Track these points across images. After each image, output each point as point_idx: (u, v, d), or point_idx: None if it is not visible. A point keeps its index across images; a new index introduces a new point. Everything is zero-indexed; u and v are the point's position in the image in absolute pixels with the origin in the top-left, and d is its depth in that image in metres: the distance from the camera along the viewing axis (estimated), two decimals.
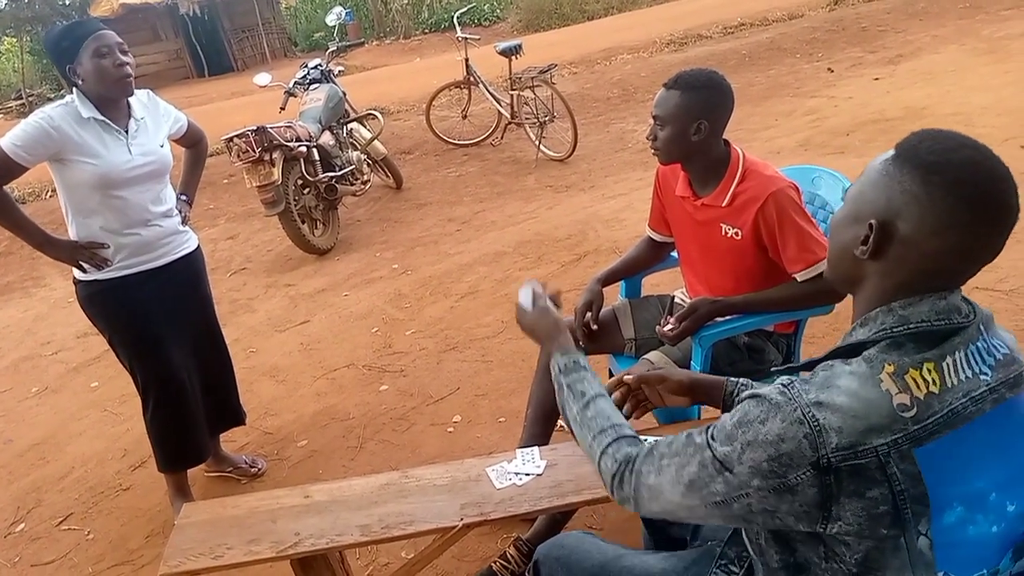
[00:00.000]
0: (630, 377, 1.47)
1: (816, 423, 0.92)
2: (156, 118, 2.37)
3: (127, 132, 2.24)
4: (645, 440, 1.15)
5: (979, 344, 0.98)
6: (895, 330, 0.97)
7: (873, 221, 0.98)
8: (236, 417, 2.77)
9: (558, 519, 2.04)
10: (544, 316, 1.42)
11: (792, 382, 0.97)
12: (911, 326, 0.97)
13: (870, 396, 0.93)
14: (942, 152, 0.95)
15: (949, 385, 0.94)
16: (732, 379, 1.43)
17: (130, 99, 2.26)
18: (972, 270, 0.99)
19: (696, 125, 1.84)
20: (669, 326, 1.94)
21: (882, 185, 0.98)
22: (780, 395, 0.96)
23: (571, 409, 1.24)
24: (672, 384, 1.44)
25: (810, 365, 1.04)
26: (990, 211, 0.94)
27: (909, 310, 0.98)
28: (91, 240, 2.23)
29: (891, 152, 1.00)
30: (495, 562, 2.05)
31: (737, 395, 1.40)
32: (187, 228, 2.50)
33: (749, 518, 0.98)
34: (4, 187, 2.15)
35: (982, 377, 0.97)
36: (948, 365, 0.95)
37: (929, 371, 0.94)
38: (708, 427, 1.04)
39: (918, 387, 0.93)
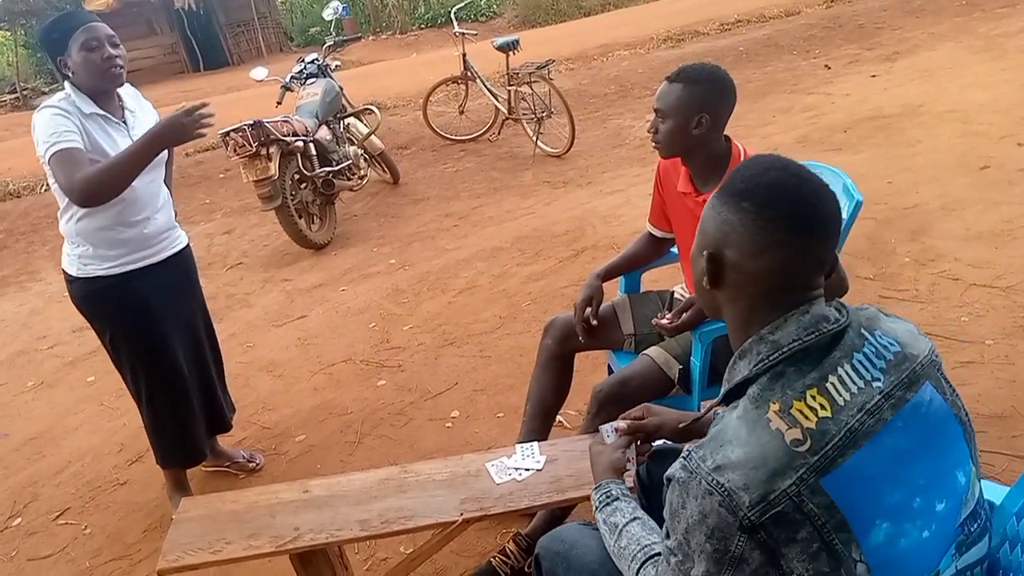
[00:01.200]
0: (623, 425, 1.48)
1: (723, 488, 0.91)
2: (143, 109, 2.36)
3: (126, 124, 2.23)
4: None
5: (865, 350, 0.99)
6: (771, 358, 0.98)
7: (705, 253, 1.03)
8: (230, 411, 2.76)
9: (557, 514, 2.03)
10: (606, 454, 1.43)
11: (690, 453, 0.97)
12: (784, 350, 0.97)
13: (762, 440, 0.92)
14: (751, 178, 1.00)
15: (841, 403, 0.94)
16: (719, 413, 1.44)
17: (120, 91, 2.25)
18: (811, 281, 1.01)
19: (697, 119, 1.84)
20: (666, 319, 1.94)
21: (710, 217, 1.05)
22: (683, 471, 0.96)
23: (609, 543, 1.25)
24: (667, 432, 1.48)
25: (720, 403, 1.05)
26: (801, 226, 0.97)
27: (778, 334, 0.99)
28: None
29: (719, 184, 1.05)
30: (494, 557, 2.05)
31: None
32: (177, 224, 2.49)
33: None
34: (87, 169, 2.00)
35: (875, 384, 0.96)
36: (833, 384, 0.95)
37: (814, 397, 0.94)
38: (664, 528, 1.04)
39: (807, 418, 0.93)
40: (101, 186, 2.01)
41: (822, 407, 0.93)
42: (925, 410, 0.98)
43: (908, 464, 0.95)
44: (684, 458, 0.97)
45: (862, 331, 1.01)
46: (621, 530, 1.23)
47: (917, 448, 0.96)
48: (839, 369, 0.96)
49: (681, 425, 1.45)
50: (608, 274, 2.25)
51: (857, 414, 0.93)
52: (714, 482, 0.92)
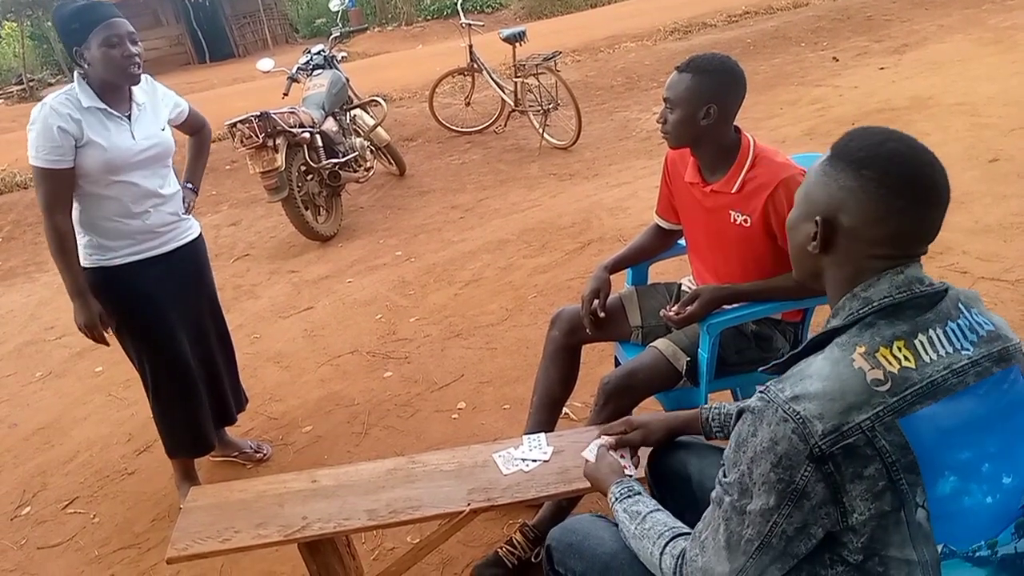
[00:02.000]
0: (608, 440, 1.54)
1: (798, 416, 0.94)
2: (155, 103, 2.35)
3: (129, 119, 2.23)
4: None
5: (960, 322, 1.02)
6: (861, 312, 1.02)
7: (818, 218, 1.05)
8: (240, 405, 2.76)
9: (564, 505, 2.04)
10: (603, 462, 1.47)
11: (768, 386, 1.00)
12: (875, 304, 1.01)
13: (843, 376, 0.96)
14: (870, 148, 1.03)
15: (927, 360, 0.98)
16: (705, 407, 1.51)
17: (132, 86, 2.25)
18: (918, 249, 1.05)
19: (706, 109, 1.83)
20: (674, 311, 1.94)
21: (822, 184, 1.06)
22: (759, 401, 1.00)
23: (629, 529, 1.26)
24: (652, 441, 1.53)
25: (795, 359, 1.07)
26: (919, 194, 1.01)
27: (870, 291, 1.03)
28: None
29: (828, 152, 1.07)
30: (501, 548, 2.05)
31: (712, 419, 1.49)
32: (189, 216, 2.49)
33: (793, 550, 0.99)
34: (67, 217, 2.16)
35: (963, 352, 1.00)
36: (922, 342, 0.99)
37: (900, 348, 0.98)
38: (719, 470, 1.06)
39: (890, 363, 0.97)
40: (48, 239, 2.17)
41: (906, 359, 0.97)
42: (1008, 387, 1.02)
43: (983, 429, 0.98)
44: (762, 391, 1.00)
45: (959, 305, 1.04)
46: (645, 516, 1.24)
47: (994, 418, 1.00)
48: (930, 331, 1.00)
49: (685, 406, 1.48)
50: (615, 266, 2.24)
51: (942, 371, 0.97)
52: (790, 410, 0.95)
